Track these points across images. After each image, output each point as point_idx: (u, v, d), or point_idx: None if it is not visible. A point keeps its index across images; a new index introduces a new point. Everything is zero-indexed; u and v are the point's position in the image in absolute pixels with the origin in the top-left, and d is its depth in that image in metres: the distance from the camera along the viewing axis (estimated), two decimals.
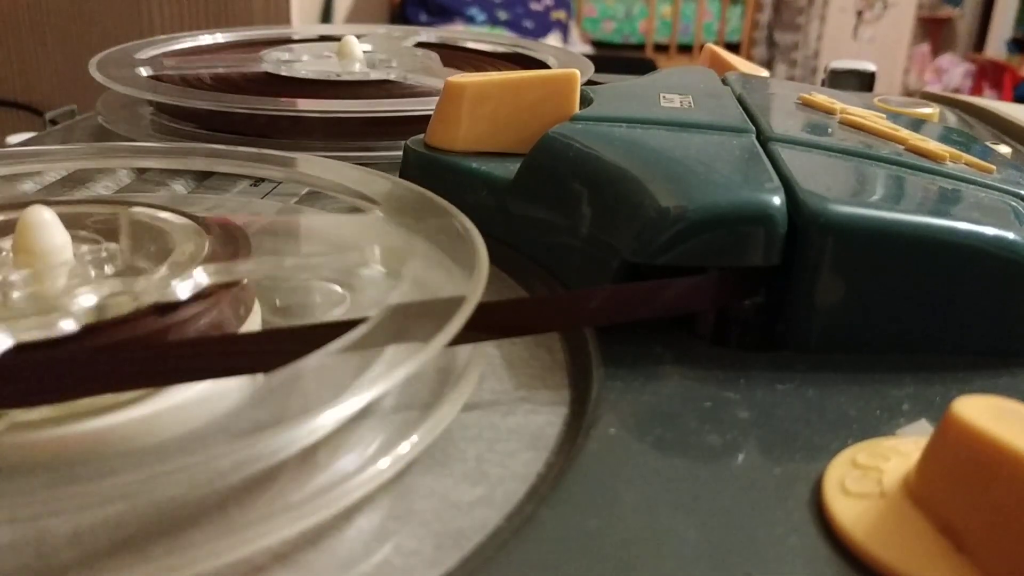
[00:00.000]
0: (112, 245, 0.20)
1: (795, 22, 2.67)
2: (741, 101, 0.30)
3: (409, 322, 0.17)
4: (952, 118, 0.41)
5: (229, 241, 0.21)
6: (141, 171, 0.34)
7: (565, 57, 0.48)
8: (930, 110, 0.35)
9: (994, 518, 0.13)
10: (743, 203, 0.20)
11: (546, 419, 0.19)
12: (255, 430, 0.14)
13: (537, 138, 0.25)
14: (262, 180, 0.33)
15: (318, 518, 0.15)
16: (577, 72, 0.28)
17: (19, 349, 0.16)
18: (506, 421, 0.19)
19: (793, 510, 0.15)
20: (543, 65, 0.47)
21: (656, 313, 0.20)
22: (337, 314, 0.23)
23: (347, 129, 0.37)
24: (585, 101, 0.28)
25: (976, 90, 2.59)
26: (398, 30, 0.54)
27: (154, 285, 0.18)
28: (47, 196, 0.31)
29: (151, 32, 0.85)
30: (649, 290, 0.20)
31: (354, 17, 2.08)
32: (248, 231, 0.21)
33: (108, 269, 0.20)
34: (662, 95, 0.29)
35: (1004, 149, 0.35)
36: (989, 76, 2.62)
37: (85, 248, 0.20)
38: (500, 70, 0.38)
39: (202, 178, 0.33)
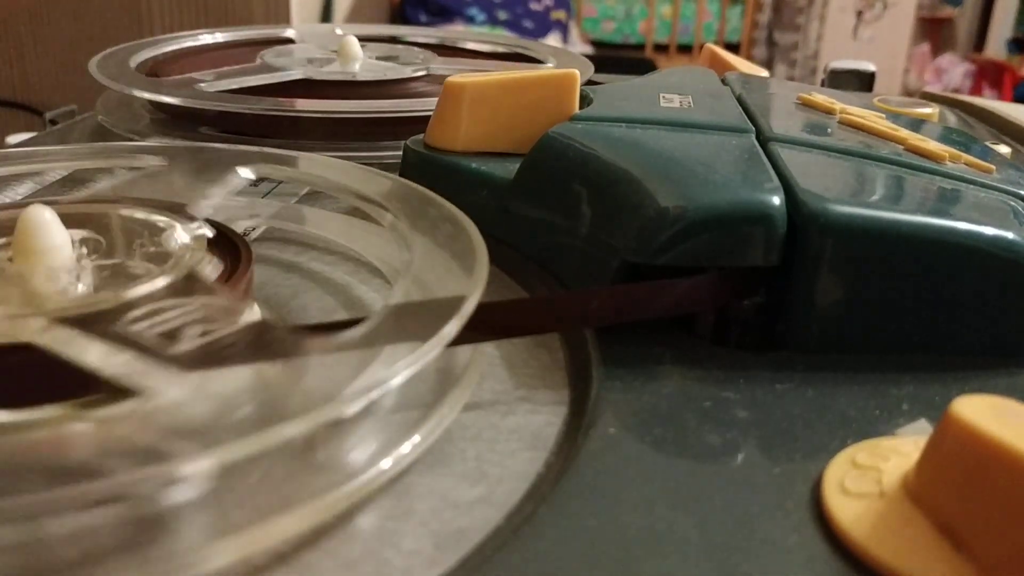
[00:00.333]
0: (113, 245, 0.20)
1: (795, 22, 2.67)
2: (741, 101, 0.30)
3: (409, 322, 0.17)
4: (952, 118, 0.41)
5: (228, 244, 0.21)
6: (140, 171, 0.34)
7: (564, 57, 0.48)
8: (930, 110, 0.35)
9: (993, 517, 0.13)
10: (743, 203, 0.20)
11: (546, 419, 0.19)
12: (255, 429, 0.14)
13: (537, 138, 0.25)
14: (262, 180, 0.33)
15: (318, 518, 0.15)
16: (577, 72, 0.28)
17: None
18: (506, 421, 0.19)
19: (792, 510, 0.15)
20: (522, 56, 0.47)
21: (656, 313, 0.20)
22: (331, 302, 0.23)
23: (347, 129, 0.37)
24: (585, 101, 0.28)
25: (976, 90, 2.59)
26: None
27: (152, 284, 0.18)
28: (46, 196, 0.31)
29: (151, 32, 0.85)
30: (649, 290, 0.20)
31: (354, 17, 2.08)
32: (247, 236, 0.21)
33: (108, 268, 0.20)
34: (662, 95, 0.29)
35: (1004, 149, 0.35)
36: (989, 76, 2.62)
37: (85, 248, 0.20)
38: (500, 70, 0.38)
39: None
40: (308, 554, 0.15)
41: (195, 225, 0.21)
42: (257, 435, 0.14)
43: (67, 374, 0.16)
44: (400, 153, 0.29)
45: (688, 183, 0.21)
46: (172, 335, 0.17)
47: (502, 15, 2.35)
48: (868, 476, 0.16)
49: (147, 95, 0.38)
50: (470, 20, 2.31)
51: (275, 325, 0.18)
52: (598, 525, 0.15)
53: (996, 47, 2.74)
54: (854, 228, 0.20)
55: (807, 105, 0.30)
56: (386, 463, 0.16)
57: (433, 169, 0.28)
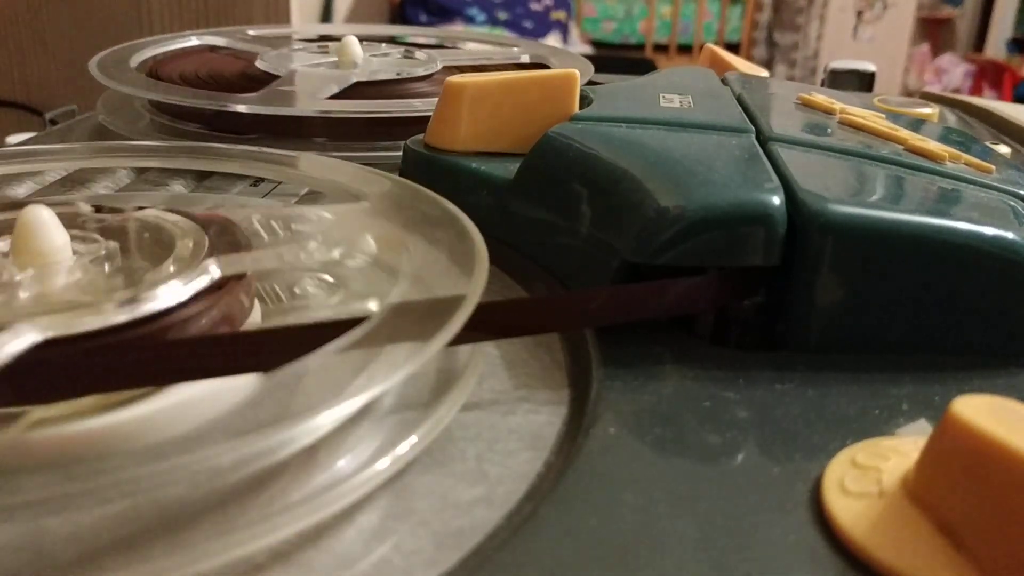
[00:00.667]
0: (112, 244, 0.20)
1: (795, 22, 2.67)
2: (741, 101, 0.30)
3: (409, 322, 0.17)
4: (952, 118, 0.41)
5: (228, 236, 0.21)
6: (141, 171, 0.34)
7: (564, 58, 0.48)
8: (930, 110, 0.35)
9: (993, 517, 0.13)
10: (742, 203, 0.20)
11: (546, 419, 0.19)
12: (256, 429, 0.14)
13: (537, 138, 0.25)
14: (262, 180, 0.33)
15: (318, 518, 0.15)
16: (577, 72, 0.28)
17: (43, 346, 0.16)
18: (506, 421, 0.19)
19: (792, 510, 0.15)
20: (542, 66, 0.47)
21: (656, 313, 0.20)
22: (332, 303, 0.23)
23: (347, 129, 0.37)
24: (585, 101, 0.28)
25: (976, 90, 2.59)
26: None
27: (160, 282, 0.18)
28: (45, 196, 0.31)
29: (151, 32, 0.85)
30: (649, 290, 0.20)
31: (354, 17, 2.08)
32: (243, 227, 0.21)
33: (108, 268, 0.20)
34: (662, 95, 0.29)
35: (1003, 149, 0.35)
36: (989, 76, 2.62)
37: (84, 247, 0.20)
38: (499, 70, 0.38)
39: (202, 178, 0.33)
40: (308, 553, 0.15)
41: (193, 223, 0.21)
42: (258, 436, 0.14)
43: (93, 369, 0.16)
44: (400, 153, 0.29)
45: (688, 183, 0.21)
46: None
47: (502, 15, 2.35)
48: (868, 476, 0.16)
49: (147, 95, 0.38)
50: (470, 20, 2.31)
51: (273, 319, 0.19)
52: (598, 525, 0.15)
53: (996, 47, 2.74)
54: (854, 228, 0.20)
55: (807, 105, 0.30)
56: (384, 463, 0.16)
57: (433, 169, 0.28)
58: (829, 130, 0.27)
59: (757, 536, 0.15)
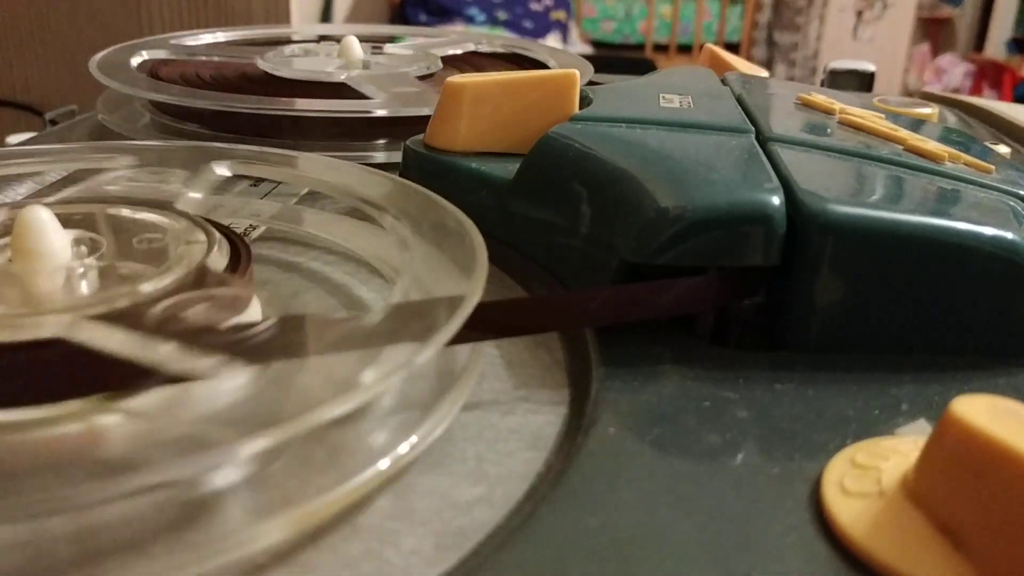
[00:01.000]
0: (111, 243, 0.20)
1: (795, 22, 2.67)
2: (740, 101, 0.30)
3: (409, 322, 0.17)
4: (951, 118, 0.41)
5: (227, 242, 0.21)
6: (141, 171, 0.34)
7: (563, 58, 0.48)
8: (929, 110, 0.35)
9: (992, 517, 0.13)
10: (742, 203, 0.20)
11: (546, 419, 0.19)
12: (255, 428, 0.14)
13: (537, 138, 0.25)
14: (262, 180, 0.33)
15: (318, 518, 0.15)
16: (576, 72, 0.28)
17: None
18: (506, 421, 0.19)
19: (792, 509, 0.15)
20: (542, 66, 0.47)
21: (656, 313, 0.20)
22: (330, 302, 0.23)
23: (347, 129, 0.37)
24: (585, 101, 0.28)
25: (976, 90, 2.59)
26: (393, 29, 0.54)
27: (161, 281, 0.18)
28: (44, 196, 0.31)
29: (151, 31, 0.85)
30: (649, 290, 0.20)
31: (354, 17, 2.08)
32: (247, 236, 0.21)
33: (108, 268, 0.20)
34: (661, 95, 0.29)
35: (1003, 149, 0.35)
36: (989, 76, 2.62)
37: (83, 247, 0.20)
38: (500, 70, 0.38)
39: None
40: (308, 553, 0.15)
41: (193, 223, 0.21)
42: (257, 436, 0.14)
43: (95, 367, 0.16)
44: (400, 153, 0.29)
45: (688, 183, 0.21)
46: (205, 327, 0.17)
47: (502, 15, 2.35)
48: (867, 476, 0.16)
49: (147, 95, 0.38)
50: (470, 20, 2.31)
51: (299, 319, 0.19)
52: (598, 525, 0.15)
53: (996, 47, 2.74)
54: (854, 228, 0.20)
55: (807, 105, 0.30)
56: (384, 463, 0.16)
57: (433, 169, 0.28)
58: (829, 130, 0.27)
59: (756, 536, 0.15)
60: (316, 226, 0.27)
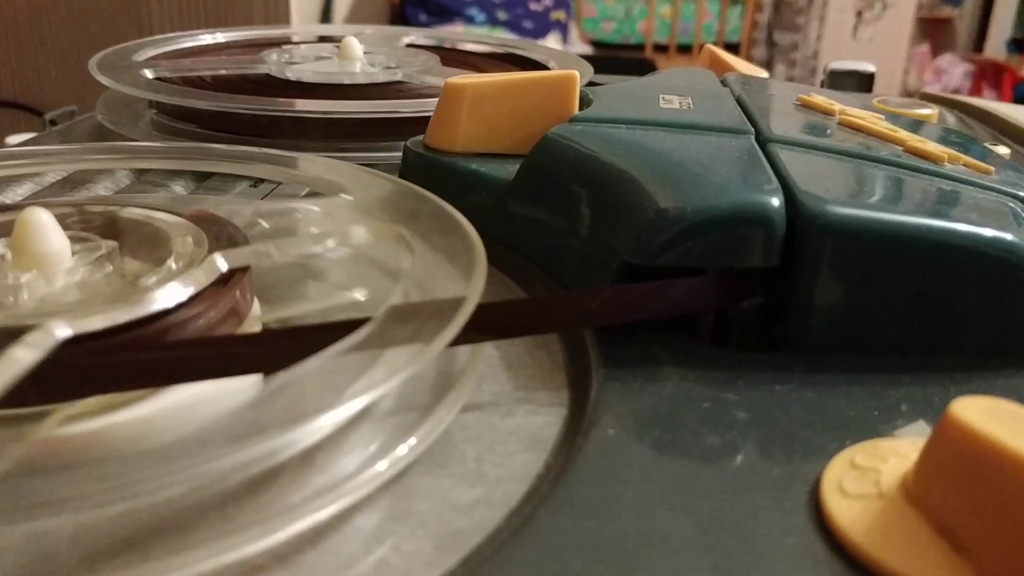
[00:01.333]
0: (111, 244, 0.20)
1: (795, 22, 2.67)
2: (740, 102, 0.30)
3: (409, 323, 0.17)
4: (951, 119, 0.41)
5: (224, 232, 0.21)
6: (141, 171, 0.34)
7: (563, 59, 0.48)
8: (929, 111, 0.35)
9: (991, 519, 0.13)
10: (742, 204, 0.20)
11: (545, 420, 0.19)
12: (256, 432, 0.14)
13: (536, 139, 0.25)
14: (262, 180, 0.33)
15: (318, 519, 0.15)
16: (576, 73, 0.28)
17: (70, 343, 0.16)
18: (505, 422, 0.19)
19: (791, 511, 0.15)
20: (542, 67, 0.47)
21: (655, 314, 0.20)
22: (330, 303, 0.23)
23: (347, 130, 0.37)
24: (584, 102, 0.28)
25: (975, 91, 2.59)
26: (393, 30, 0.54)
27: (169, 278, 0.18)
28: (45, 197, 0.31)
29: (151, 32, 0.85)
30: (648, 291, 0.20)
31: (354, 17, 2.08)
32: (240, 225, 0.21)
33: (110, 267, 0.20)
34: (661, 96, 0.29)
35: (1003, 150, 0.35)
36: (989, 76, 2.62)
37: (83, 248, 0.20)
38: (499, 71, 0.38)
39: (202, 179, 0.33)
40: (308, 554, 0.15)
41: (193, 223, 0.21)
42: (258, 439, 0.14)
43: (106, 369, 0.16)
44: (400, 154, 0.29)
45: (687, 184, 0.21)
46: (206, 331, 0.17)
47: (502, 15, 2.35)
48: (867, 477, 0.16)
49: (147, 95, 0.38)
50: (470, 20, 2.31)
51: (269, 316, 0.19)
52: (598, 525, 0.15)
53: (996, 47, 2.74)
54: (853, 229, 0.20)
55: (806, 106, 0.30)
56: (383, 464, 0.16)
57: (433, 170, 0.28)
58: (828, 131, 0.27)
59: (756, 537, 0.15)
60: (315, 227, 0.27)
